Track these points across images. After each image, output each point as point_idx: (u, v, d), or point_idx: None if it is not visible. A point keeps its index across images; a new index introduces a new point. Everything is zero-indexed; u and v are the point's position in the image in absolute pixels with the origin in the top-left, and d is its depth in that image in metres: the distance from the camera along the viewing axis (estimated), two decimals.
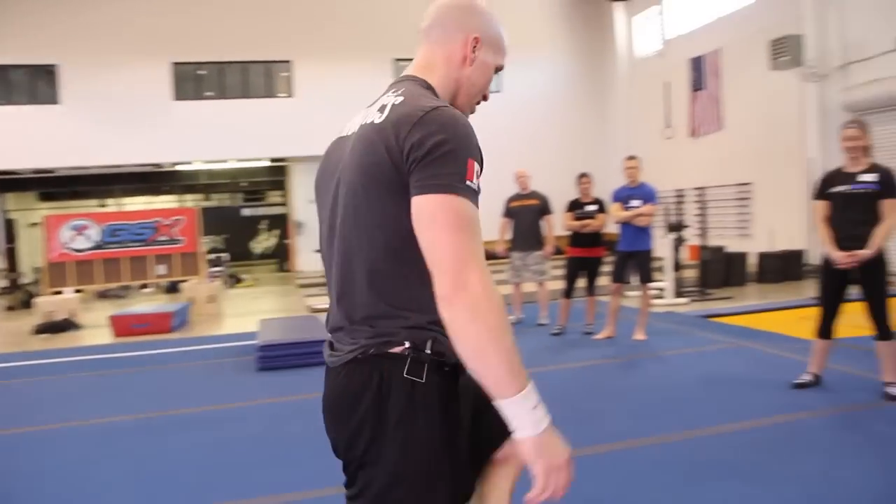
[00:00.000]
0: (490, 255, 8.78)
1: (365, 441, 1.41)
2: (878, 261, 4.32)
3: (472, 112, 1.66)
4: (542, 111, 19.11)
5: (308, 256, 17.71)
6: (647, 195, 6.52)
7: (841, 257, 4.32)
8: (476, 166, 1.37)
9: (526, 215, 7.65)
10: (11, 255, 18.28)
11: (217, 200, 22.84)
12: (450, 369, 1.43)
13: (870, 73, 11.40)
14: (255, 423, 4.63)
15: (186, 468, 3.79)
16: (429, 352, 1.39)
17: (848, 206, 4.35)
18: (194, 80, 17.54)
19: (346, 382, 1.44)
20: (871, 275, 4.33)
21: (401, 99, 1.43)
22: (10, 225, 18.71)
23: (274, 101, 17.90)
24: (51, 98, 16.47)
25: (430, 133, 1.32)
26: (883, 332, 4.38)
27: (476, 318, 1.26)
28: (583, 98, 19.60)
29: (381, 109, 1.44)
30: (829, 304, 4.55)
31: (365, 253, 1.41)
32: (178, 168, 19.50)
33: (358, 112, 1.58)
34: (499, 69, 1.64)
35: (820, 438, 3.79)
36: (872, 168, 4.34)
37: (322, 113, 17.46)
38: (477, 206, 1.35)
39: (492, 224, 8.36)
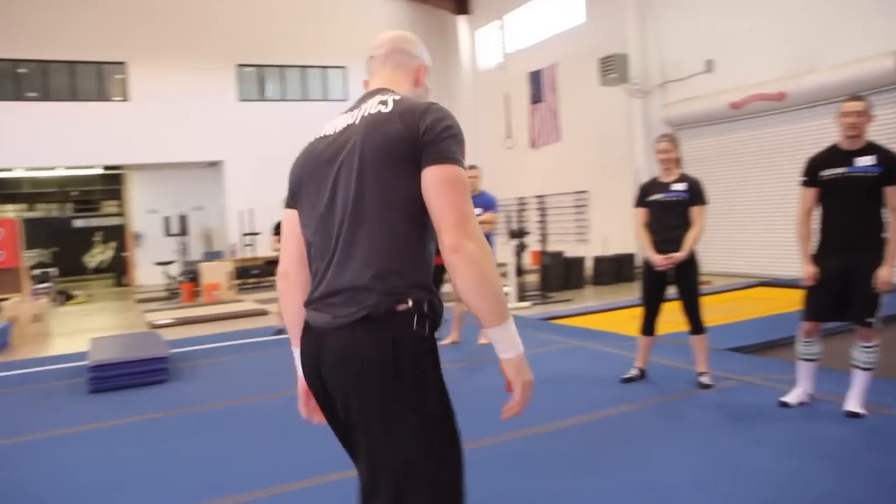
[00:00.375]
0: None
1: (382, 393, 1.60)
2: (691, 262, 4.76)
3: None
4: None
5: (149, 269, 16.81)
6: (488, 203, 6.78)
7: (658, 260, 4.72)
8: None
9: None
10: None
11: (43, 211, 21.18)
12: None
13: (685, 91, 12.48)
14: (89, 449, 4.36)
15: (14, 502, 3.52)
16: (426, 311, 1.63)
17: (663, 213, 4.76)
18: (13, 79, 16.19)
19: (357, 340, 1.61)
20: (684, 275, 4.77)
21: (397, 98, 1.73)
22: None
23: (108, 105, 16.87)
24: None
25: (439, 119, 1.65)
26: (696, 328, 4.83)
27: (478, 262, 1.57)
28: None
29: (383, 104, 1.72)
30: (651, 303, 4.96)
31: (382, 218, 1.63)
32: None
33: (331, 119, 1.85)
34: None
35: (643, 427, 4.13)
36: (682, 178, 4.78)
37: (163, 119, 16.70)
38: None
39: None
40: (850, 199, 3.91)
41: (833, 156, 4.02)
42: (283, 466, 3.72)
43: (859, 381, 4.01)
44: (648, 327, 5.01)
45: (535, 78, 16.32)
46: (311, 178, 1.79)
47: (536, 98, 16.28)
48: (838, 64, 9.98)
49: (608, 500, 3.08)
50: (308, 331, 1.76)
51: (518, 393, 1.69)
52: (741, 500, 3.00)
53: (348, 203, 1.66)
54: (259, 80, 18.79)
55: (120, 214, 19.65)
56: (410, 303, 1.61)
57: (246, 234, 16.55)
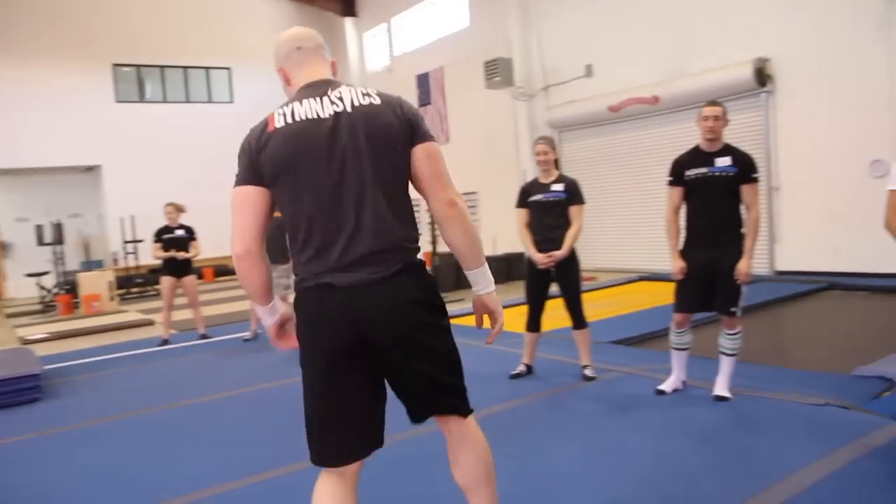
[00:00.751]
0: (219, 272, 8.54)
1: (427, 326, 2.04)
2: (572, 260, 4.96)
3: None
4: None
5: (19, 281, 15.77)
6: None
7: (540, 258, 4.89)
8: None
9: (270, 228, 7.48)
10: None
11: None
12: None
13: (567, 94, 12.94)
14: None
15: None
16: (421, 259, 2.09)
17: (543, 213, 4.94)
18: None
19: (399, 289, 1.99)
20: (566, 273, 4.96)
21: (368, 90, 2.08)
22: None
23: None
24: None
25: (411, 107, 2.10)
26: (578, 323, 5.04)
27: (467, 215, 2.08)
28: None
29: (368, 95, 2.06)
30: (535, 301, 5.14)
31: (395, 192, 2.02)
32: None
33: (298, 103, 2.05)
34: None
35: (531, 420, 4.27)
36: (560, 179, 4.98)
37: (28, 120, 15.71)
38: None
39: (224, 241, 8.16)
40: (711, 197, 4.20)
41: (695, 157, 4.29)
42: (165, 482, 3.61)
43: (725, 366, 4.31)
44: (533, 324, 5.18)
45: (423, 81, 16.47)
46: (310, 158, 1.98)
47: (424, 101, 16.42)
48: (705, 70, 10.64)
49: (499, 493, 3.17)
50: (331, 290, 1.97)
51: (498, 322, 2.20)
52: (624, 484, 3.17)
53: (365, 181, 1.98)
54: (138, 80, 18.02)
55: None
56: (421, 255, 2.10)
57: (128, 242, 15.81)
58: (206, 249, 8.54)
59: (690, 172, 4.26)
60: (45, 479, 3.87)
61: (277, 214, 7.02)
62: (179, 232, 7.90)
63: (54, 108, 16.10)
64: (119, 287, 13.68)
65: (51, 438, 4.70)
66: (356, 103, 2.02)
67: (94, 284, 12.30)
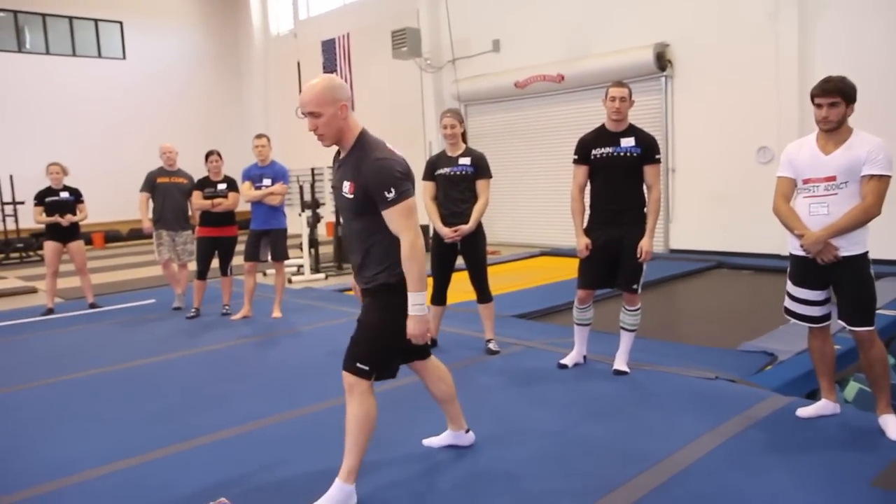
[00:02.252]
0: (109, 238, 8.14)
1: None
2: (478, 234, 4.95)
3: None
4: (171, 84, 18.09)
5: None
6: (278, 174, 6.59)
7: (447, 233, 4.86)
8: None
9: (175, 194, 7.18)
10: None
11: None
12: None
13: (474, 68, 12.93)
14: None
15: None
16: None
17: (451, 187, 4.90)
18: None
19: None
20: (472, 246, 4.96)
21: None
22: None
23: None
24: None
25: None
26: (483, 296, 5.06)
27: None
28: (218, 74, 19.01)
29: None
30: (441, 274, 5.10)
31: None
32: None
33: None
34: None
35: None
36: (468, 152, 4.94)
37: None
38: None
39: (122, 203, 7.74)
40: (615, 176, 4.27)
41: (601, 136, 4.34)
42: (42, 464, 3.38)
43: (625, 341, 4.43)
44: (439, 297, 5.15)
45: (329, 47, 16.07)
46: None
47: (330, 68, 16.04)
48: (608, 52, 10.86)
49: (401, 469, 3.15)
50: None
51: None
52: (528, 457, 3.20)
53: None
54: (16, 27, 16.70)
55: None
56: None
57: (6, 203, 14.72)
58: (94, 214, 8.05)
59: (596, 151, 4.31)
60: None
61: (181, 181, 6.68)
62: (64, 194, 7.40)
63: None
64: None
65: None
66: None
67: None
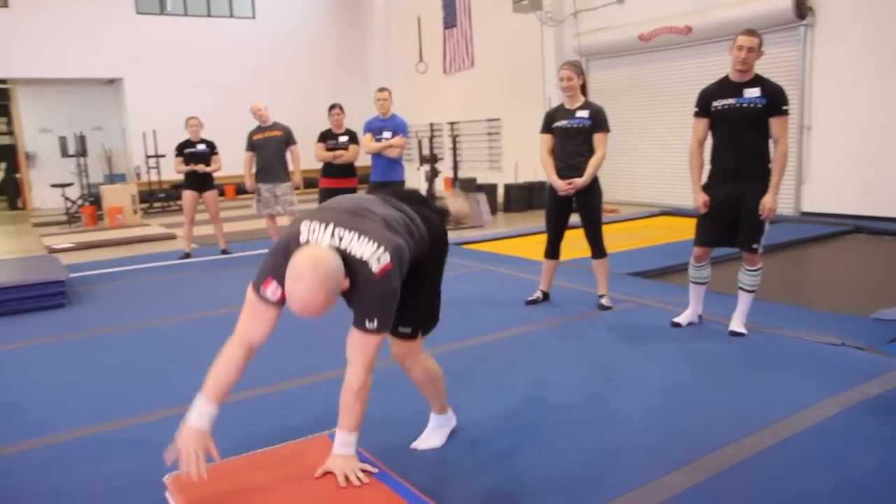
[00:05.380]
0: (240, 190, 8.68)
1: None
2: (593, 188, 4.90)
3: None
4: (298, 39, 18.63)
5: (44, 192, 15.93)
6: (398, 127, 6.73)
7: (561, 185, 4.84)
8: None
9: (270, 147, 7.57)
10: None
11: None
12: None
13: (596, 21, 12.54)
14: None
15: None
16: None
17: (567, 140, 4.85)
18: None
19: None
20: (587, 201, 4.91)
21: None
22: None
23: None
24: None
25: None
26: (597, 252, 5.02)
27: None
28: (341, 30, 19.38)
29: None
30: (554, 228, 5.10)
31: None
32: None
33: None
34: None
35: (543, 345, 4.30)
36: (586, 105, 4.86)
37: (48, 30, 15.55)
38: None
39: (238, 159, 8.20)
40: (738, 129, 4.08)
41: (723, 87, 4.14)
42: (178, 390, 3.70)
43: (743, 302, 4.29)
44: (552, 251, 5.16)
45: (449, 1, 16.02)
46: None
47: (450, 22, 16.01)
48: (740, 1, 10.23)
49: (507, 415, 3.23)
50: None
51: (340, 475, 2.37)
52: (632, 411, 3.20)
53: None
54: None
55: (9, 133, 18.37)
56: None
57: (150, 157, 15.82)
58: (227, 167, 8.53)
59: (717, 103, 4.13)
60: (60, 381, 3.98)
61: (274, 134, 6.95)
62: (201, 146, 7.89)
63: (76, 18, 15.88)
64: (142, 201, 13.76)
65: (71, 343, 4.82)
66: None
67: (118, 197, 12.39)
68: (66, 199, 13.49)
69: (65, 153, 14.50)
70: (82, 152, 13.85)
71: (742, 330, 4.24)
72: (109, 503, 2.58)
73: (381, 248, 2.19)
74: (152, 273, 7.34)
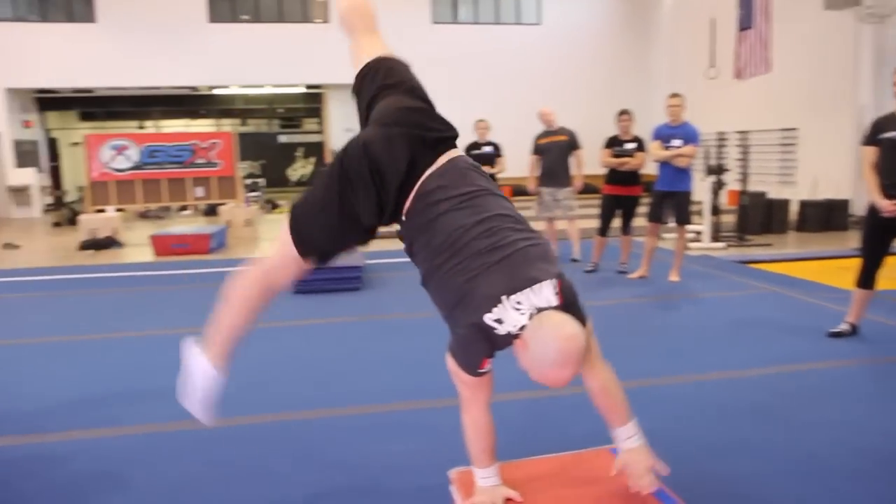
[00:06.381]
0: (520, 192, 8.91)
1: None
2: None
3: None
4: (583, 45, 18.67)
5: None
6: (689, 135, 6.40)
7: (887, 205, 4.23)
8: None
9: (555, 152, 7.63)
10: (55, 173, 18.61)
11: (254, 126, 22.86)
12: None
13: None
14: (288, 343, 4.76)
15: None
16: None
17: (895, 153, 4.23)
18: (229, 3, 17.34)
19: None
20: None
21: None
22: (52, 143, 18.98)
23: (309, 27, 17.68)
24: (87, 16, 16.45)
25: None
26: None
27: None
28: (625, 32, 19.08)
29: None
30: (872, 254, 4.49)
31: None
32: (214, 92, 19.48)
33: None
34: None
35: (851, 387, 3.77)
36: None
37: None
38: None
39: (521, 162, 8.38)
40: None
41: (890, 121, 4.21)
42: None
43: None
44: (867, 279, 4.54)
45: (746, 1, 14.95)
46: None
47: (745, 24, 14.92)
48: None
49: (819, 457, 2.88)
50: None
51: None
52: None
53: None
54: (453, 2, 18.76)
55: (319, 132, 20.79)
56: None
57: None
58: (508, 169, 8.77)
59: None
60: (353, 358, 4.36)
61: (560, 139, 6.93)
62: (487, 148, 8.20)
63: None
64: None
65: (366, 324, 5.27)
66: None
67: None
68: None
69: None
70: None
71: None
72: (387, 479, 2.75)
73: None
74: None
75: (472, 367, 2.05)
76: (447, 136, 2.21)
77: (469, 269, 1.98)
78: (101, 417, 3.45)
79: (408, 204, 2.11)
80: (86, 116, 20.09)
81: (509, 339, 1.96)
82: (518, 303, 1.93)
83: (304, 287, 6.24)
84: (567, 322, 1.93)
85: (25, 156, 16.69)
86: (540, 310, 1.94)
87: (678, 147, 6.36)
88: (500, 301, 1.92)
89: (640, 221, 7.11)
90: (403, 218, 2.14)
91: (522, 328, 1.93)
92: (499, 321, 1.92)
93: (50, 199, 16.63)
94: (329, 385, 3.91)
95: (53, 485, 2.75)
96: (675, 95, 6.60)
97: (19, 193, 16.39)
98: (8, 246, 10.49)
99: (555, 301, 1.97)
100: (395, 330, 5.10)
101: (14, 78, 16.19)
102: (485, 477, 2.25)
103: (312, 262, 2.23)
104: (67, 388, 3.93)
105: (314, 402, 3.63)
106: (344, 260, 6.49)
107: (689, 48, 17.02)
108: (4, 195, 16.29)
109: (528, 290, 1.94)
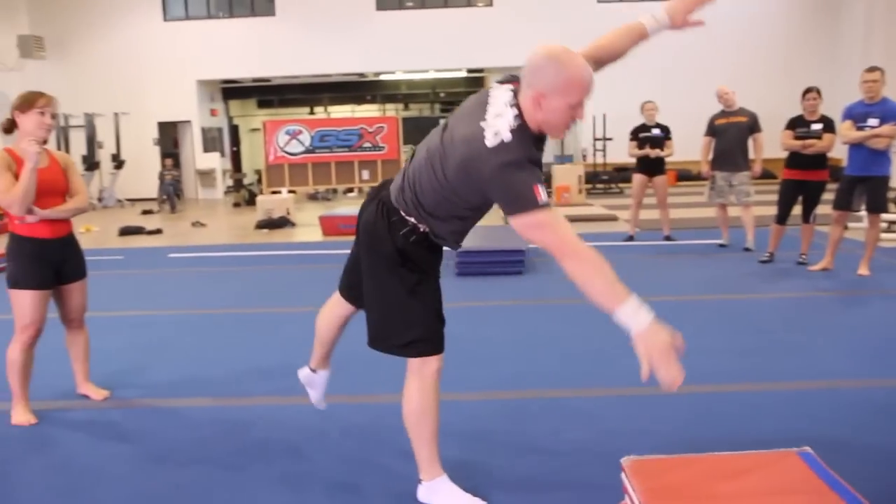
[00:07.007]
0: (691, 176, 8.50)
1: None
2: None
3: (564, 135, 2.24)
4: (763, 18, 17.43)
5: None
6: (889, 113, 5.75)
7: None
8: None
9: (733, 133, 7.18)
10: (236, 157, 20.15)
11: (416, 110, 23.37)
12: None
13: None
14: (454, 324, 4.79)
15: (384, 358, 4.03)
16: None
17: None
18: None
19: None
20: None
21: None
22: (234, 130, 20.53)
23: (473, 11, 17.81)
24: (268, 10, 17.52)
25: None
26: None
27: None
28: (809, 7, 17.61)
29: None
30: None
31: None
32: (380, 78, 20.12)
33: None
34: (579, 105, 2.04)
35: None
36: None
37: (519, 23, 17.14)
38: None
39: (692, 144, 7.95)
40: None
41: None
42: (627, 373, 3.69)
43: None
44: None
45: None
46: None
47: None
48: None
49: None
50: None
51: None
52: None
53: None
54: None
55: None
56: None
57: (598, 140, 16.49)
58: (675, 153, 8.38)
59: None
60: (518, 341, 4.34)
61: (739, 119, 6.49)
62: (655, 131, 7.88)
63: (539, 11, 17.18)
64: (586, 182, 14.43)
65: (528, 308, 5.24)
66: None
67: (566, 177, 13.20)
68: None
69: None
70: None
71: None
72: (557, 463, 2.72)
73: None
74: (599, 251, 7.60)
75: (531, 202, 1.97)
76: None
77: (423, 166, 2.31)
78: (279, 387, 3.65)
79: None
80: (262, 104, 21.46)
81: (525, 129, 2.02)
82: (493, 110, 2.05)
83: (467, 269, 6.31)
84: (536, 49, 2.01)
85: (211, 142, 18.30)
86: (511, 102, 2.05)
87: (875, 127, 5.76)
88: (481, 125, 2.01)
89: (823, 209, 6.51)
90: None
91: (515, 106, 2.04)
92: (496, 133, 1.98)
93: (230, 182, 18.06)
94: (496, 366, 3.92)
95: (244, 447, 2.96)
96: (872, 70, 5.97)
97: (205, 176, 17.94)
98: (196, 224, 11.52)
99: (510, 87, 2.10)
100: (561, 315, 5.01)
101: (204, 70, 17.63)
102: (637, 306, 1.93)
103: None
104: (247, 357, 4.22)
105: (487, 383, 3.66)
106: (505, 242, 6.54)
107: (886, 19, 15.40)
108: (193, 178, 17.87)
109: (487, 103, 2.08)
